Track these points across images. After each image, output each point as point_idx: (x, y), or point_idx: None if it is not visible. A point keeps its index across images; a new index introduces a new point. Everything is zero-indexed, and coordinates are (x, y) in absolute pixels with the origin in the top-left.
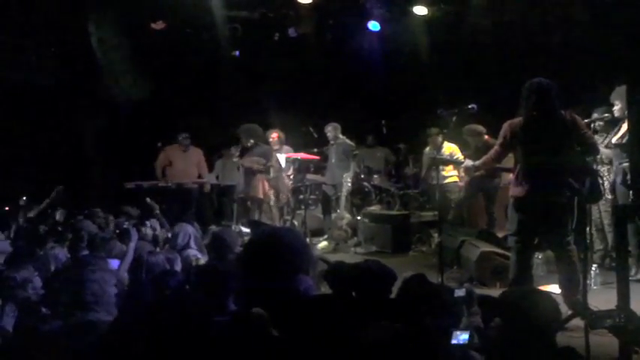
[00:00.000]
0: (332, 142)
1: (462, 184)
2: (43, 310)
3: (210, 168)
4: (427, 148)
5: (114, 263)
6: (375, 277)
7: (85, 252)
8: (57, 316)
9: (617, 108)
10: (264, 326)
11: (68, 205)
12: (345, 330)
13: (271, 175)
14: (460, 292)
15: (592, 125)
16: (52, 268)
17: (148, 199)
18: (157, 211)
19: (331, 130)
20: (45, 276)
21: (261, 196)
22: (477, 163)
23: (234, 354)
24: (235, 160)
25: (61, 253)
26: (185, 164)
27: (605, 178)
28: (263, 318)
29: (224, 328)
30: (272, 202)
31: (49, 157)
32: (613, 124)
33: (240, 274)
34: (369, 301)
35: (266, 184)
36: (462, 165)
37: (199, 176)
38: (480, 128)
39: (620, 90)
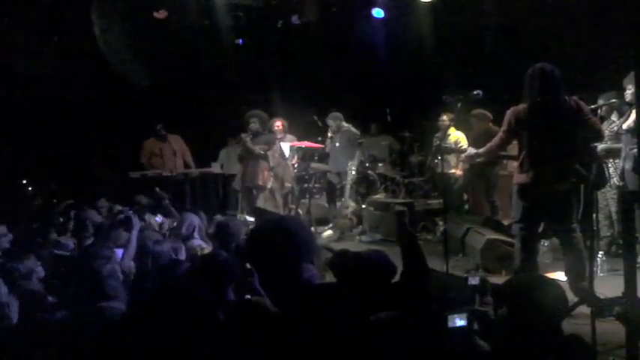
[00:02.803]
0: (333, 133)
1: (459, 172)
2: (50, 299)
3: (215, 157)
4: (437, 134)
5: (120, 253)
6: (374, 268)
7: (91, 242)
8: (64, 305)
9: (630, 92)
10: (263, 312)
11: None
12: (347, 318)
13: (271, 163)
14: (474, 281)
15: (598, 111)
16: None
17: (157, 189)
18: (166, 201)
19: (332, 121)
20: (51, 265)
21: (260, 183)
22: (481, 150)
23: (238, 343)
24: (257, 149)
25: (69, 242)
26: (166, 154)
27: (610, 165)
28: (263, 305)
29: (227, 316)
30: (274, 188)
31: (52, 148)
32: (623, 108)
33: (243, 263)
34: (370, 290)
35: (265, 171)
36: (465, 153)
37: (185, 163)
38: (489, 114)
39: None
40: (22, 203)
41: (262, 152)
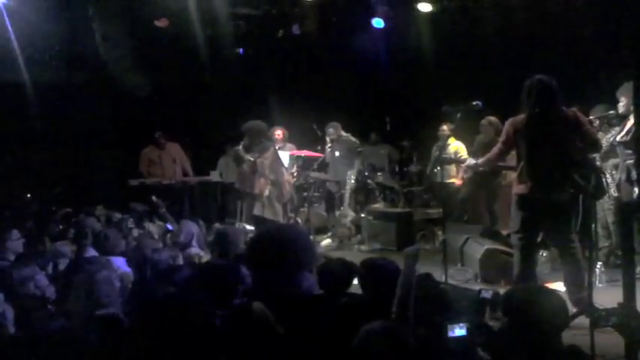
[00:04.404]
0: (332, 142)
1: (459, 181)
2: (50, 308)
3: (214, 166)
4: (437, 144)
5: (117, 261)
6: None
7: (90, 249)
8: (64, 314)
9: (623, 104)
10: (265, 320)
11: (72, 203)
12: (338, 330)
13: (258, 169)
14: (486, 294)
15: (597, 122)
16: (59, 265)
17: (154, 198)
18: (163, 209)
19: (332, 130)
20: (52, 273)
21: (257, 191)
22: (480, 161)
23: (238, 349)
24: (247, 157)
25: (66, 249)
26: (165, 162)
27: (608, 175)
28: (264, 312)
29: (226, 322)
30: (272, 196)
31: (52, 155)
32: (613, 121)
33: (243, 271)
34: (373, 299)
35: (261, 179)
36: (465, 164)
37: (184, 171)
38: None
39: (628, 86)
40: (21, 210)
41: (252, 159)
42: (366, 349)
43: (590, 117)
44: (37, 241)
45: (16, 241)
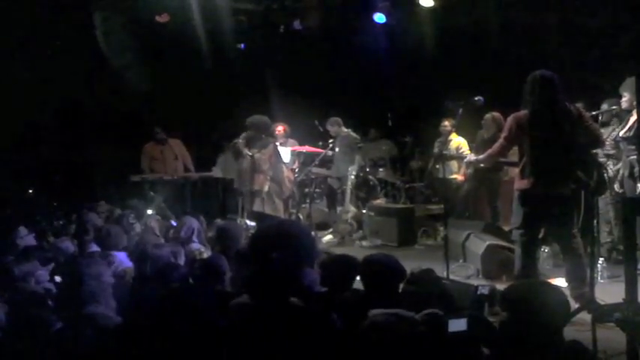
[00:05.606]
0: (333, 138)
1: (461, 177)
2: (50, 303)
3: (215, 162)
4: (439, 139)
5: (120, 256)
6: (385, 270)
7: (92, 244)
8: (60, 309)
9: (625, 99)
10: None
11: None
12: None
13: (257, 165)
14: (484, 290)
15: (600, 117)
16: (61, 260)
17: (151, 192)
18: (162, 205)
19: (331, 126)
20: (53, 269)
21: (256, 187)
22: (481, 157)
23: (237, 346)
24: (246, 151)
25: (68, 245)
26: (167, 158)
27: (611, 171)
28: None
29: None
30: (272, 192)
31: (53, 150)
32: (623, 114)
33: (243, 267)
34: (375, 295)
35: (261, 175)
36: (465, 159)
37: (185, 167)
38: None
39: (630, 81)
40: (25, 206)
41: (250, 154)
42: (371, 340)
43: (593, 112)
44: (42, 237)
45: (26, 238)
